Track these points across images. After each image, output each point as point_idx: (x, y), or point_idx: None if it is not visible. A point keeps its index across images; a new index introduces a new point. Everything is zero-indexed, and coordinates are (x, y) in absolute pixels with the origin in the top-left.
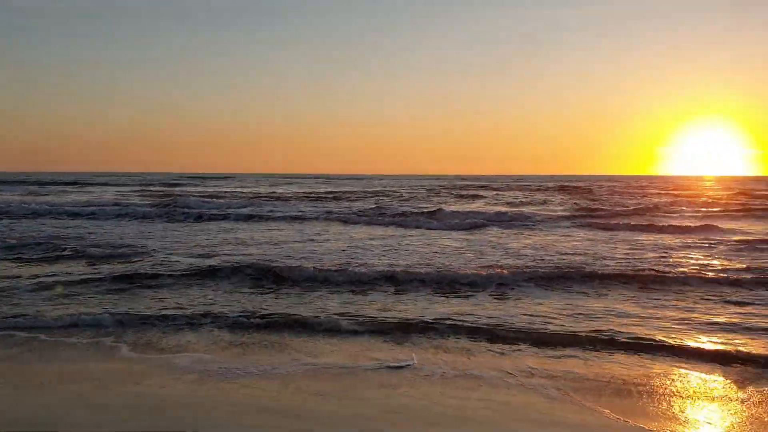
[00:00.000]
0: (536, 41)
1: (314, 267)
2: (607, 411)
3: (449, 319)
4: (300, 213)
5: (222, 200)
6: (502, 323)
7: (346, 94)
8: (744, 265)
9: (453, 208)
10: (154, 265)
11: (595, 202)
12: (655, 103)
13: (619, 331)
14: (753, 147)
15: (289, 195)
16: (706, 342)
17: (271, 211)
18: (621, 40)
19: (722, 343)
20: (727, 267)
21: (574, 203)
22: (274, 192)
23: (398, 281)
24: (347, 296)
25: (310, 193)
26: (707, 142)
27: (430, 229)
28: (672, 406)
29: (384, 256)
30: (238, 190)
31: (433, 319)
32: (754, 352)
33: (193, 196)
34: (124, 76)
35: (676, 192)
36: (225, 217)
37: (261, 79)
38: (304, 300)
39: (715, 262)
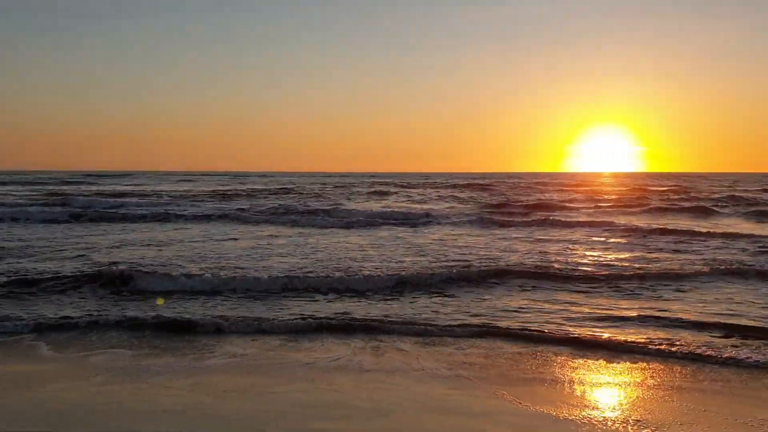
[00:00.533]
0: (452, 41)
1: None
2: (510, 397)
3: (347, 314)
4: (199, 213)
5: (121, 199)
6: (403, 319)
7: (254, 91)
8: (626, 256)
9: (357, 206)
10: None
11: (499, 198)
12: (561, 105)
13: (515, 323)
14: (641, 144)
15: (193, 193)
16: (593, 331)
17: (172, 210)
18: (529, 44)
19: (606, 332)
20: (613, 260)
21: (479, 201)
22: (176, 190)
23: (293, 287)
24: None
25: (214, 191)
26: (605, 141)
27: (327, 227)
28: (568, 390)
29: (279, 257)
30: (139, 188)
31: (333, 315)
32: (631, 340)
33: (84, 195)
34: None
35: (579, 188)
36: (122, 218)
37: (161, 75)
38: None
39: (605, 255)
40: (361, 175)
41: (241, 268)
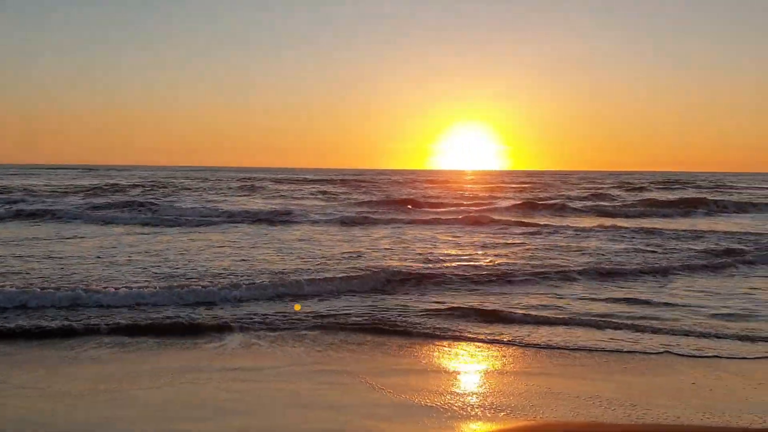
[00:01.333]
0: (316, 39)
1: None
2: (377, 388)
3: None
4: None
5: None
6: (265, 317)
7: (120, 82)
8: (485, 253)
9: (191, 203)
10: None
11: (367, 195)
12: (427, 104)
13: (381, 319)
14: (503, 143)
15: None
16: (454, 324)
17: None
18: (395, 43)
19: (463, 324)
20: (475, 257)
21: (348, 197)
22: (20, 184)
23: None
24: None
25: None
26: (469, 140)
27: (155, 225)
28: (432, 379)
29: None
30: None
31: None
32: (488, 332)
33: None
34: None
35: (443, 185)
36: None
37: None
38: None
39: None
40: (237, 170)
41: None
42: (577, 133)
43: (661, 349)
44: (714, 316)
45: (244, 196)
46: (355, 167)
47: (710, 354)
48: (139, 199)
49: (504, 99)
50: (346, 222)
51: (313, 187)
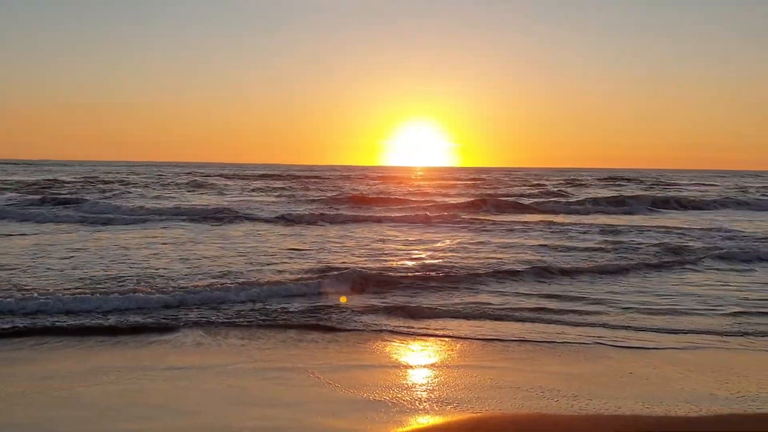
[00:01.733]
0: (264, 34)
1: None
2: (326, 384)
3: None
4: None
5: None
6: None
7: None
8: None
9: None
10: None
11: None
12: (378, 101)
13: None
14: (455, 141)
15: None
16: (404, 322)
17: None
18: (345, 39)
19: (413, 321)
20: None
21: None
22: None
23: None
24: None
25: None
26: (421, 137)
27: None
28: (382, 374)
29: None
30: None
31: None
32: (438, 326)
33: None
34: None
35: (391, 182)
36: None
37: None
38: None
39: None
40: (184, 165)
41: None
42: (526, 132)
43: (590, 341)
44: (642, 309)
45: (190, 192)
46: (305, 164)
47: (642, 345)
48: (75, 196)
49: (455, 96)
50: (292, 220)
51: (262, 184)
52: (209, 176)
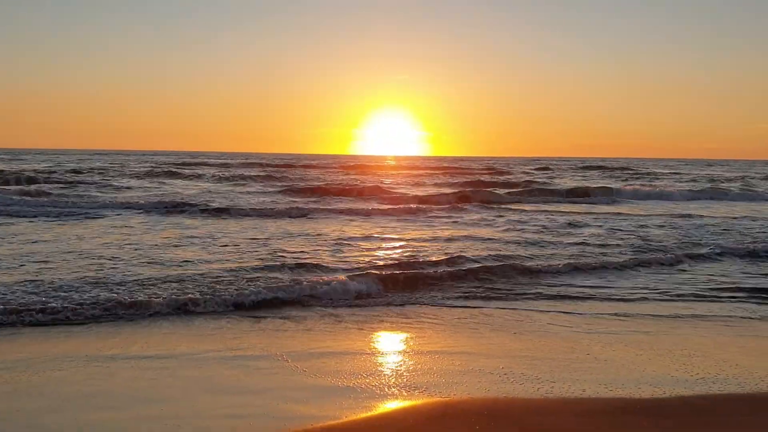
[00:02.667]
0: (239, 24)
1: None
2: (298, 371)
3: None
4: None
5: None
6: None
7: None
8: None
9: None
10: None
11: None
12: (350, 90)
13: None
14: (425, 130)
15: None
16: (376, 311)
17: None
18: (319, 29)
19: (382, 310)
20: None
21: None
22: None
23: None
24: None
25: None
26: (392, 126)
27: None
28: (353, 361)
29: None
30: None
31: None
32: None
33: None
34: None
35: (368, 171)
36: None
37: None
38: None
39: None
40: (152, 154)
41: None
42: (497, 121)
43: (555, 327)
44: (601, 296)
45: (153, 182)
46: (275, 152)
47: (605, 330)
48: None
49: (425, 86)
50: (264, 213)
51: (228, 172)
52: (170, 165)
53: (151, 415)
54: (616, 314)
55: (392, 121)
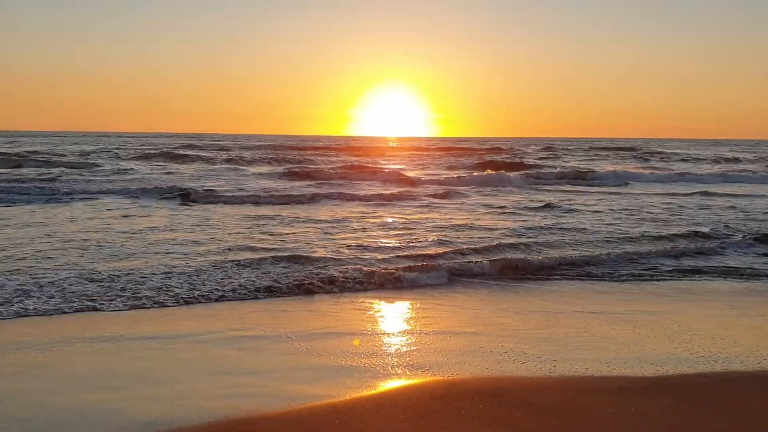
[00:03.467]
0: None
1: None
2: (303, 352)
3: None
4: None
5: None
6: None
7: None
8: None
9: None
10: None
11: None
12: (346, 68)
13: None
14: (433, 111)
15: None
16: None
17: None
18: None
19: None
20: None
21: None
22: None
23: None
24: None
25: None
26: (393, 106)
27: None
28: (357, 341)
29: None
30: None
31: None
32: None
33: None
34: None
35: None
36: None
37: None
38: None
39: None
40: (145, 136)
41: None
42: (503, 101)
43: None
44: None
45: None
46: (268, 133)
47: (604, 311)
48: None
49: (426, 64)
50: (260, 200)
51: (244, 156)
52: (161, 146)
53: (153, 395)
54: (621, 293)
55: (390, 100)
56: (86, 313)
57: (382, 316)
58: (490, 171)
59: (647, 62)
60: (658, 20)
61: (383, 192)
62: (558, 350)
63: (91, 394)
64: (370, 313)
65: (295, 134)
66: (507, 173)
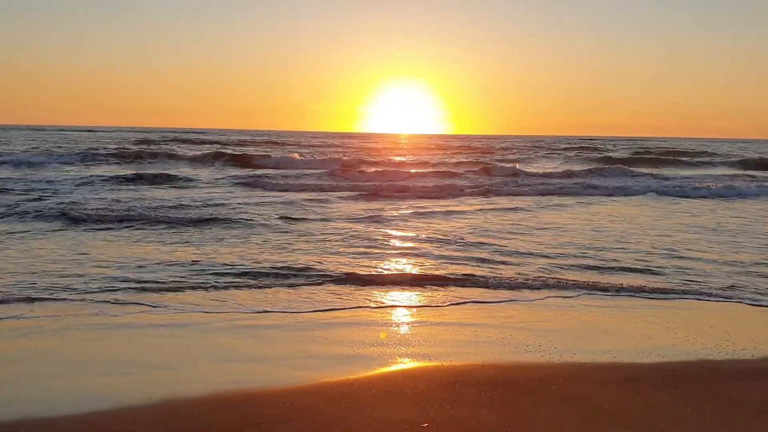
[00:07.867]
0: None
1: None
2: (312, 340)
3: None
4: None
5: None
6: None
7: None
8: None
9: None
10: None
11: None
12: (355, 64)
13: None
14: (444, 109)
15: None
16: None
17: None
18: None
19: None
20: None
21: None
22: None
23: None
24: None
25: None
26: (404, 103)
27: None
28: (368, 331)
29: None
30: None
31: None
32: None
33: None
34: None
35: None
36: None
37: None
38: None
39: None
40: (148, 131)
41: None
42: (527, 99)
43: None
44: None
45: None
46: (276, 129)
47: (614, 305)
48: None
49: (437, 62)
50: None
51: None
52: (160, 142)
53: (158, 380)
54: (630, 289)
55: (399, 97)
56: (96, 299)
57: (392, 308)
58: None
59: (685, 56)
60: (694, 18)
61: None
62: (565, 341)
63: (95, 379)
64: (378, 302)
65: (301, 130)
66: None
